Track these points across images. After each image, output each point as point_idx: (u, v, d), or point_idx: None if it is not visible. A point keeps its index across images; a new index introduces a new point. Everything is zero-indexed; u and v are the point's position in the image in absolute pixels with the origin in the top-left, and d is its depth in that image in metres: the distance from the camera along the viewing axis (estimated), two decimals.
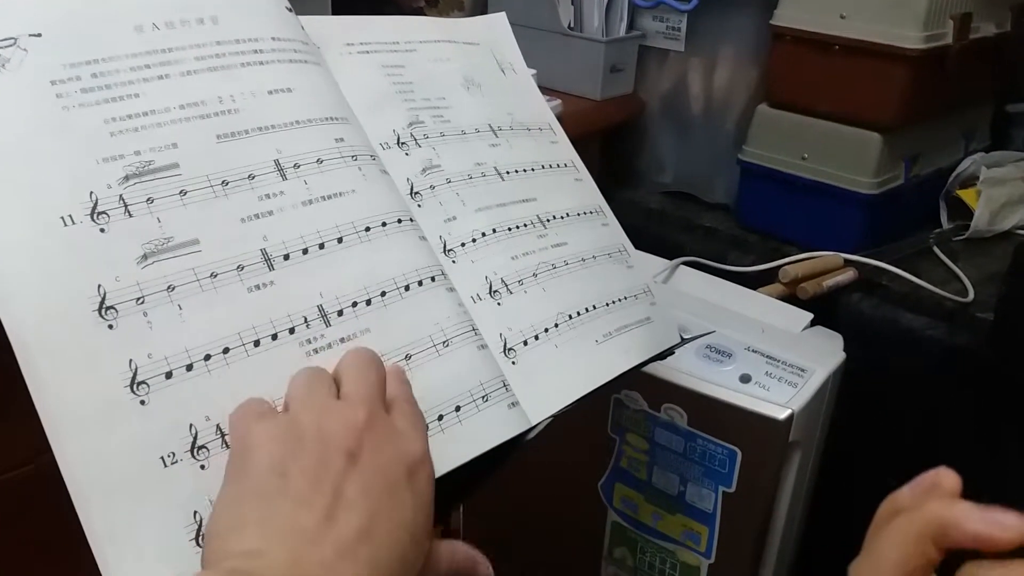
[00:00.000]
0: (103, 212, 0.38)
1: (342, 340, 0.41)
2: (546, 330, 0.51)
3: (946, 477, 0.30)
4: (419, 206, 0.49)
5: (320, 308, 0.41)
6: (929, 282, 0.87)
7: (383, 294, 0.43)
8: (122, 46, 0.41)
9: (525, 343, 0.49)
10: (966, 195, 1.00)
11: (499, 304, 0.50)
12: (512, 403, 0.46)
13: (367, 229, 0.44)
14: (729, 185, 1.07)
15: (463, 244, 0.50)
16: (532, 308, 0.51)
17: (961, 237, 0.98)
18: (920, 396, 0.84)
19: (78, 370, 0.35)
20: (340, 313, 0.42)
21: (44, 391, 0.35)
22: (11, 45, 0.38)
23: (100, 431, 0.35)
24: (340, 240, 0.43)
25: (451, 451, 0.42)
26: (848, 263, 0.91)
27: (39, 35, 0.39)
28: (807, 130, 0.95)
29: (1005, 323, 0.77)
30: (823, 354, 0.73)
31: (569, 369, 0.50)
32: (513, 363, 0.48)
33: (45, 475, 0.35)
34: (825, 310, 0.84)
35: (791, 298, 0.86)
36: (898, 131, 0.92)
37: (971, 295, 0.85)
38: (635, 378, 0.73)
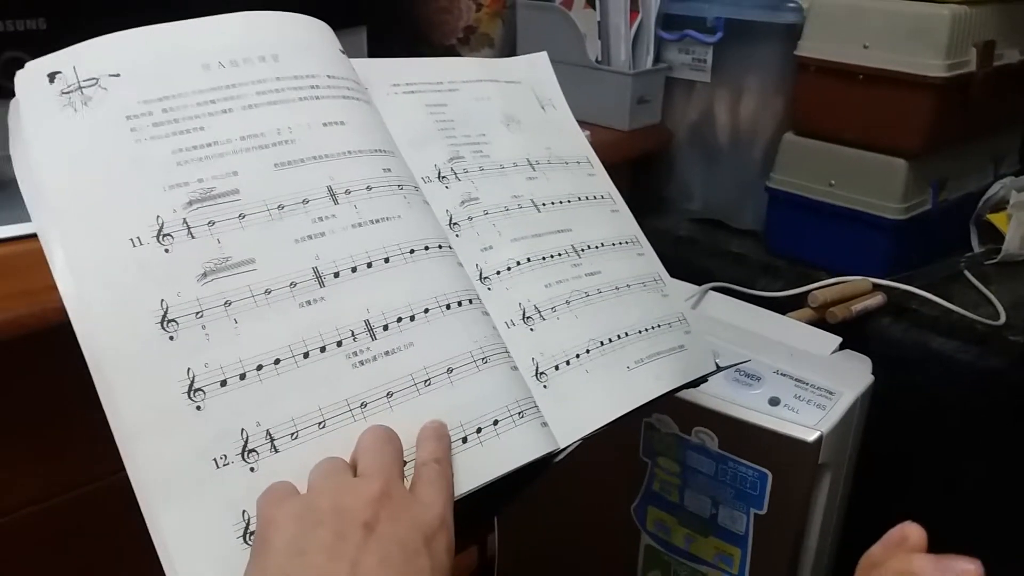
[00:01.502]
0: (168, 234, 0.41)
1: (387, 353, 0.44)
2: (577, 356, 0.53)
3: (912, 531, 0.31)
4: (457, 236, 0.52)
5: (367, 323, 0.44)
6: (960, 306, 0.87)
7: (426, 311, 0.46)
8: (190, 83, 0.45)
9: (556, 368, 0.51)
10: (997, 219, 1.01)
11: (532, 330, 0.52)
12: (543, 423, 0.48)
13: (411, 252, 0.47)
14: (757, 212, 1.08)
15: (498, 272, 0.53)
16: (564, 334, 0.53)
17: (993, 261, 0.98)
18: (951, 419, 0.84)
19: (141, 377, 0.39)
20: (386, 328, 0.44)
21: (112, 399, 0.38)
22: (93, 85, 0.43)
23: (160, 434, 0.38)
24: (387, 260, 0.46)
25: (487, 464, 0.44)
26: (877, 288, 0.92)
27: (118, 75, 0.43)
28: (834, 157, 0.96)
29: None
30: (851, 377, 0.74)
31: (599, 394, 0.52)
32: (544, 387, 0.50)
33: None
34: (854, 334, 0.85)
35: (820, 323, 0.87)
36: (924, 157, 0.93)
37: (1003, 318, 0.85)
38: (666, 402, 0.74)
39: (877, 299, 0.89)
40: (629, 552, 0.82)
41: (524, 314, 0.52)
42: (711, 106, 1.11)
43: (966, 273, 0.96)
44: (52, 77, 0.43)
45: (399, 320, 0.45)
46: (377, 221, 0.47)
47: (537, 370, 0.50)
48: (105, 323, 0.39)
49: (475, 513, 0.43)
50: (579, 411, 0.50)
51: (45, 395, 0.66)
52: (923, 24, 0.86)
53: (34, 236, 0.65)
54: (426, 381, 0.44)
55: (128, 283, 0.40)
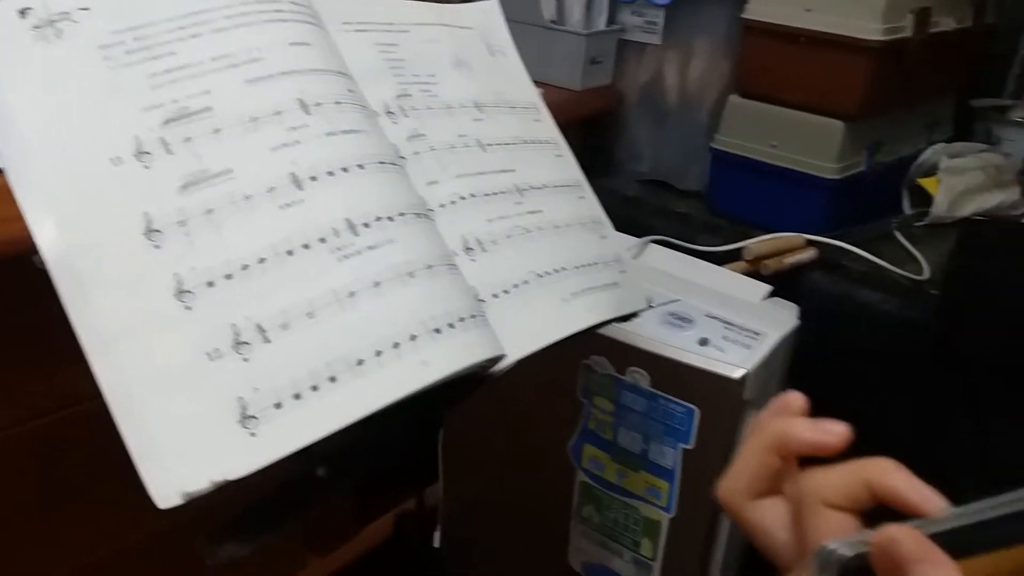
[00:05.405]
0: (146, 152, 0.43)
1: (370, 248, 0.46)
2: (516, 286, 0.55)
3: (793, 399, 0.35)
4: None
5: (348, 221, 0.46)
6: (888, 263, 0.92)
7: (402, 214, 0.49)
8: (159, 12, 0.47)
9: (495, 296, 0.54)
10: (927, 183, 1.06)
11: (473, 260, 0.54)
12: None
13: (381, 163, 0.50)
14: (702, 173, 1.11)
15: (442, 205, 0.55)
16: (504, 266, 0.55)
17: (922, 223, 1.03)
18: (873, 364, 0.89)
19: (128, 285, 0.41)
20: (367, 225, 0.47)
21: (87, 307, 0.40)
22: (64, 19, 0.44)
23: (151, 337, 0.40)
24: (361, 167, 0.48)
25: (459, 354, 0.47)
26: (811, 243, 0.96)
27: (87, 8, 0.45)
28: (776, 119, 1.00)
29: (950, 296, 0.82)
30: (777, 320, 0.78)
31: (535, 321, 0.55)
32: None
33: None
34: (787, 287, 0.89)
35: (754, 275, 0.91)
36: (861, 120, 0.97)
37: (926, 274, 0.90)
38: (602, 343, 0.77)
39: (809, 253, 0.94)
40: (565, 489, 0.86)
41: (466, 246, 0.54)
42: (661, 68, 1.14)
43: (896, 233, 1.01)
44: (23, 12, 0.44)
45: (378, 219, 0.47)
46: (348, 132, 0.49)
47: (476, 298, 0.53)
48: (87, 239, 0.41)
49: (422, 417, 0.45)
50: (515, 336, 0.53)
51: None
52: None
53: None
54: (410, 274, 0.47)
55: (110, 199, 0.42)
